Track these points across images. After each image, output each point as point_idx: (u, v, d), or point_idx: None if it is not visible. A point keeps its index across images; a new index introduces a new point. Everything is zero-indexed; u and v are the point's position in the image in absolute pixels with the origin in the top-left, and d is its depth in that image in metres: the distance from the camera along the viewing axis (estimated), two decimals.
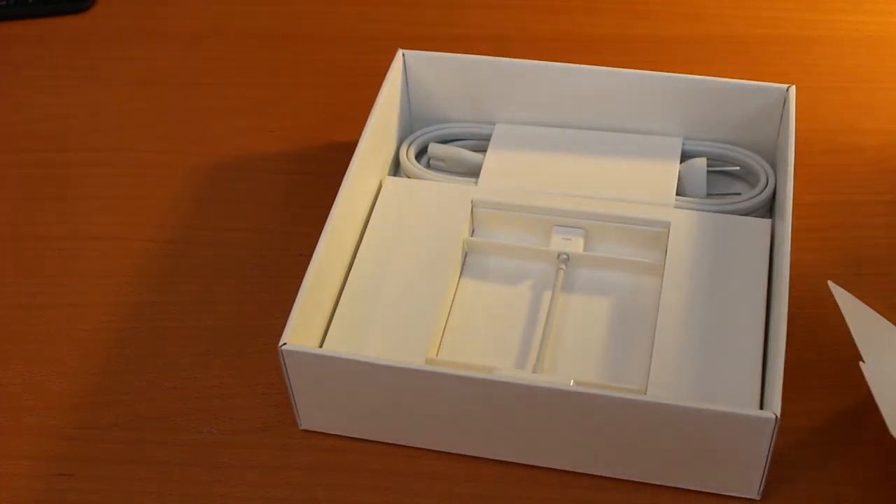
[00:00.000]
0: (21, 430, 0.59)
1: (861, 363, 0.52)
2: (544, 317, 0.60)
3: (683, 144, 0.68)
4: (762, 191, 0.65)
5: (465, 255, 0.64)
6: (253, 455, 0.57)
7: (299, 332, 0.55)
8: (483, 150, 0.69)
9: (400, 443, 0.57)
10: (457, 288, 0.62)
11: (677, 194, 0.65)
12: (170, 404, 0.60)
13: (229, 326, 0.63)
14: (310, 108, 0.77)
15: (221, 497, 0.56)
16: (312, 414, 0.57)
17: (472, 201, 0.64)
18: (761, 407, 0.54)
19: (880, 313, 0.61)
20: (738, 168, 0.68)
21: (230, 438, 0.58)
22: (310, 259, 0.57)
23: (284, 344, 0.53)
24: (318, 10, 0.85)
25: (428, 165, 0.70)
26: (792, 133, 0.62)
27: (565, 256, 0.62)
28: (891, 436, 0.55)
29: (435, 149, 0.69)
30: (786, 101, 0.65)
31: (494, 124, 0.70)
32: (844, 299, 0.55)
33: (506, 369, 0.56)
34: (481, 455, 0.56)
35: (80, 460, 0.57)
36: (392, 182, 0.66)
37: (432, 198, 0.65)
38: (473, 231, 0.66)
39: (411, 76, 0.69)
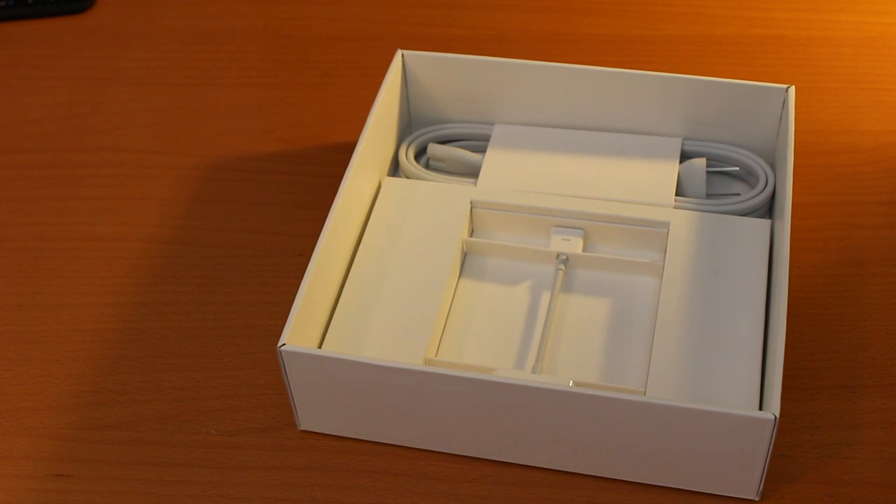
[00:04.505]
0: (20, 430, 0.59)
1: None
2: (543, 317, 0.60)
3: (683, 145, 0.68)
4: (761, 191, 0.65)
5: (465, 256, 0.64)
6: (252, 456, 0.57)
7: (298, 333, 0.55)
8: (482, 151, 0.69)
9: (399, 443, 0.57)
10: (456, 288, 0.62)
11: (677, 194, 0.65)
12: (170, 404, 0.60)
13: (229, 326, 0.63)
14: (310, 108, 0.77)
15: (221, 497, 0.56)
16: (311, 415, 0.57)
17: (471, 202, 0.64)
18: (760, 408, 0.54)
19: (880, 314, 0.61)
20: (737, 168, 0.68)
21: (229, 439, 0.58)
22: (309, 260, 0.57)
23: (283, 345, 0.53)
24: (318, 10, 0.85)
25: (427, 166, 0.70)
26: (791, 133, 0.62)
27: (564, 257, 0.62)
28: (891, 436, 0.55)
29: (434, 149, 0.69)
30: (785, 101, 0.65)
31: (493, 125, 0.70)
32: None
33: (505, 370, 0.56)
34: (481, 455, 0.56)
35: (80, 461, 0.57)
36: (391, 182, 0.66)
37: (431, 198, 0.65)
38: (472, 231, 0.66)
39: (410, 76, 0.69)
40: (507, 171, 0.66)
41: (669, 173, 0.65)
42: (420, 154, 0.70)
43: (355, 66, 0.80)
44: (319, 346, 0.58)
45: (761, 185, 0.65)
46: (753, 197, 0.65)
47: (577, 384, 0.55)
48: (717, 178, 0.68)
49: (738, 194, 0.66)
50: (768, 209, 0.65)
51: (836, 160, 0.71)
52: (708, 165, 0.66)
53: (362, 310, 0.60)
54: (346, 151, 0.63)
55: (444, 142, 0.70)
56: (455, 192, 0.65)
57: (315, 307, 0.57)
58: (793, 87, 0.65)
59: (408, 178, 0.68)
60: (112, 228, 0.69)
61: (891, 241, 0.66)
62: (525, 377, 0.55)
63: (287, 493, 0.56)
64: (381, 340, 0.58)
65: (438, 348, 0.60)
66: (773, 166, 0.67)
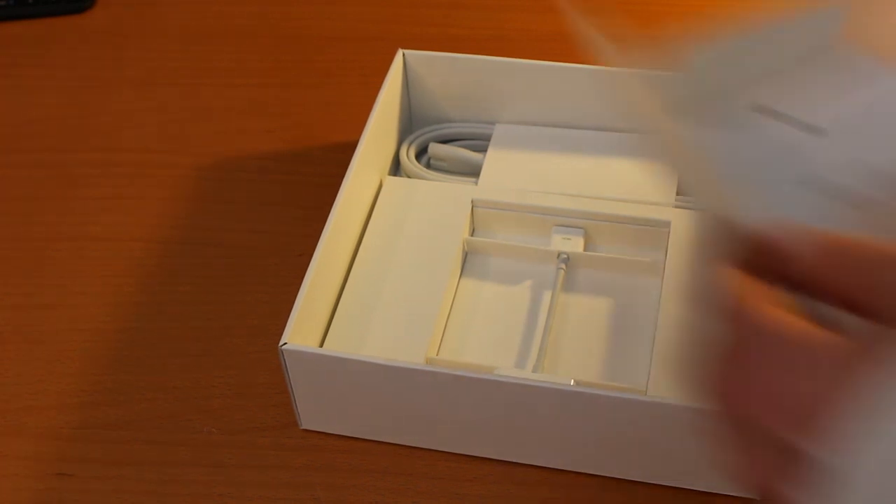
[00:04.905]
0: (21, 430, 0.59)
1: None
2: (544, 317, 0.60)
3: None
4: None
5: (466, 255, 0.64)
6: (253, 455, 0.57)
7: (299, 332, 0.55)
8: (483, 150, 0.68)
9: (400, 443, 0.57)
10: (457, 288, 0.62)
11: (677, 194, 0.65)
12: (170, 404, 0.59)
13: (229, 326, 0.63)
14: (310, 108, 0.77)
15: (221, 497, 0.55)
16: (312, 414, 0.57)
17: (472, 201, 0.64)
18: None
19: None
20: None
21: (230, 438, 0.58)
22: (310, 259, 0.57)
23: (285, 344, 0.53)
24: (318, 10, 0.85)
25: (428, 165, 0.70)
26: None
27: (565, 256, 0.62)
28: None
29: (435, 149, 0.69)
30: None
31: (494, 124, 0.70)
32: None
33: (506, 369, 0.56)
34: (482, 455, 0.56)
35: (80, 460, 0.57)
36: (392, 182, 0.66)
37: (432, 198, 0.65)
38: (473, 231, 0.66)
39: (411, 76, 0.69)
40: (508, 170, 0.66)
41: (670, 172, 0.65)
42: (421, 153, 0.70)
43: (355, 66, 0.80)
44: (321, 346, 0.58)
45: None
46: None
47: (578, 383, 0.55)
48: None
49: None
50: None
51: None
52: None
53: (363, 309, 0.60)
54: (346, 151, 0.63)
55: (445, 141, 0.70)
56: (456, 191, 0.65)
57: (316, 306, 0.57)
58: None
59: (409, 177, 0.68)
60: (112, 228, 0.69)
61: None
62: (526, 376, 0.55)
63: (288, 492, 0.56)
64: (382, 339, 0.58)
65: (439, 347, 0.60)
66: None
